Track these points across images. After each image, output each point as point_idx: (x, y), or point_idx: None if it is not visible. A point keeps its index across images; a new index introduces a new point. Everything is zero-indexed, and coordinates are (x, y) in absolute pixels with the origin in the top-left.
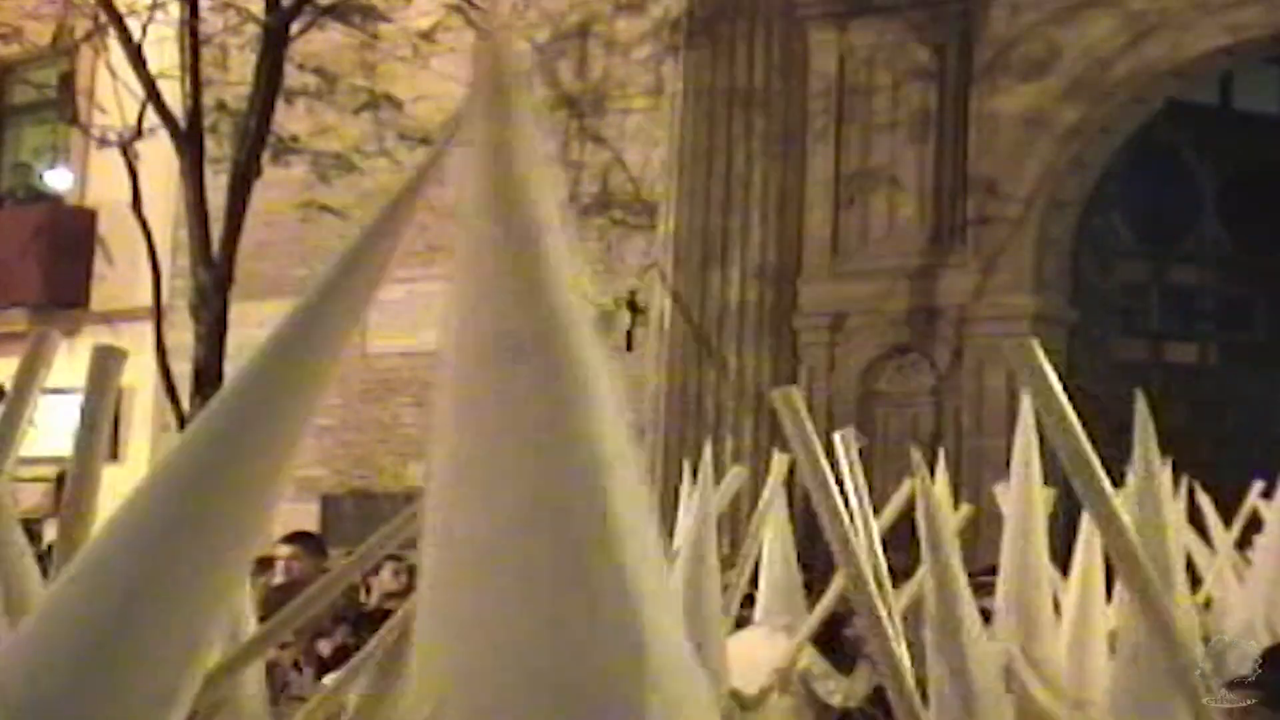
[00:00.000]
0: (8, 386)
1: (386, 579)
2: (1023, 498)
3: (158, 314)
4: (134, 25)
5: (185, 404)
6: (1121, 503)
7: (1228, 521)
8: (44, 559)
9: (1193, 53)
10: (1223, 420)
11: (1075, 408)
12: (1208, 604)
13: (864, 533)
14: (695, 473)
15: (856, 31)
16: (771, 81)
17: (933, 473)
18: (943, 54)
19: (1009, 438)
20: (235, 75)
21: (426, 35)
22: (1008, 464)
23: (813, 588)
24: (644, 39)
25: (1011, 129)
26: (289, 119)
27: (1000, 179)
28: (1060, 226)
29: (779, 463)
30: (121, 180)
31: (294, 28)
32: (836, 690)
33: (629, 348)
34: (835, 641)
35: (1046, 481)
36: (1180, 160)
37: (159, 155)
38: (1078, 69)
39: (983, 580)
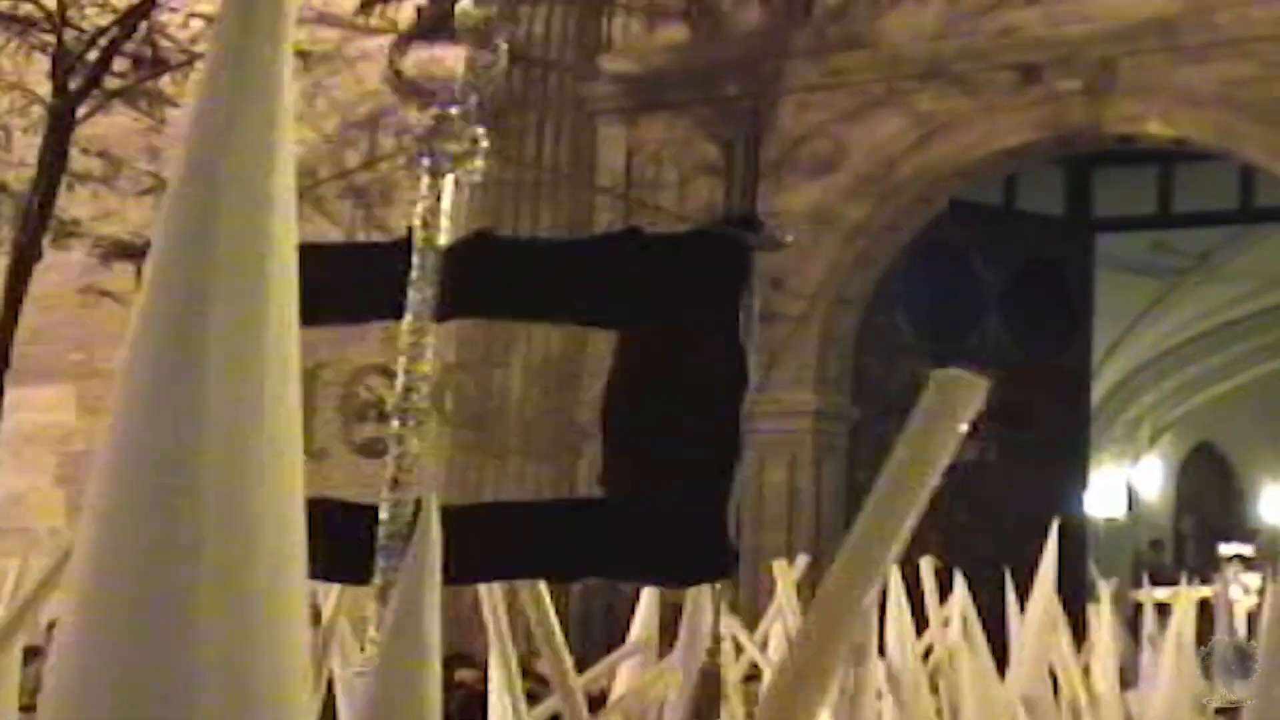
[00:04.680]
0: None
1: None
2: None
3: None
4: None
5: None
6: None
7: (1003, 618)
8: None
9: (978, 154)
10: (1002, 518)
11: (856, 504)
12: None
13: None
14: None
15: (645, 126)
16: (559, 174)
17: None
18: (730, 150)
19: (789, 536)
20: (18, 157)
21: None
22: (789, 561)
23: None
24: None
25: (797, 226)
26: (71, 202)
27: (785, 275)
28: (844, 324)
29: None
30: None
31: (80, 111)
32: None
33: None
34: None
35: None
36: (964, 260)
37: None
38: (864, 167)
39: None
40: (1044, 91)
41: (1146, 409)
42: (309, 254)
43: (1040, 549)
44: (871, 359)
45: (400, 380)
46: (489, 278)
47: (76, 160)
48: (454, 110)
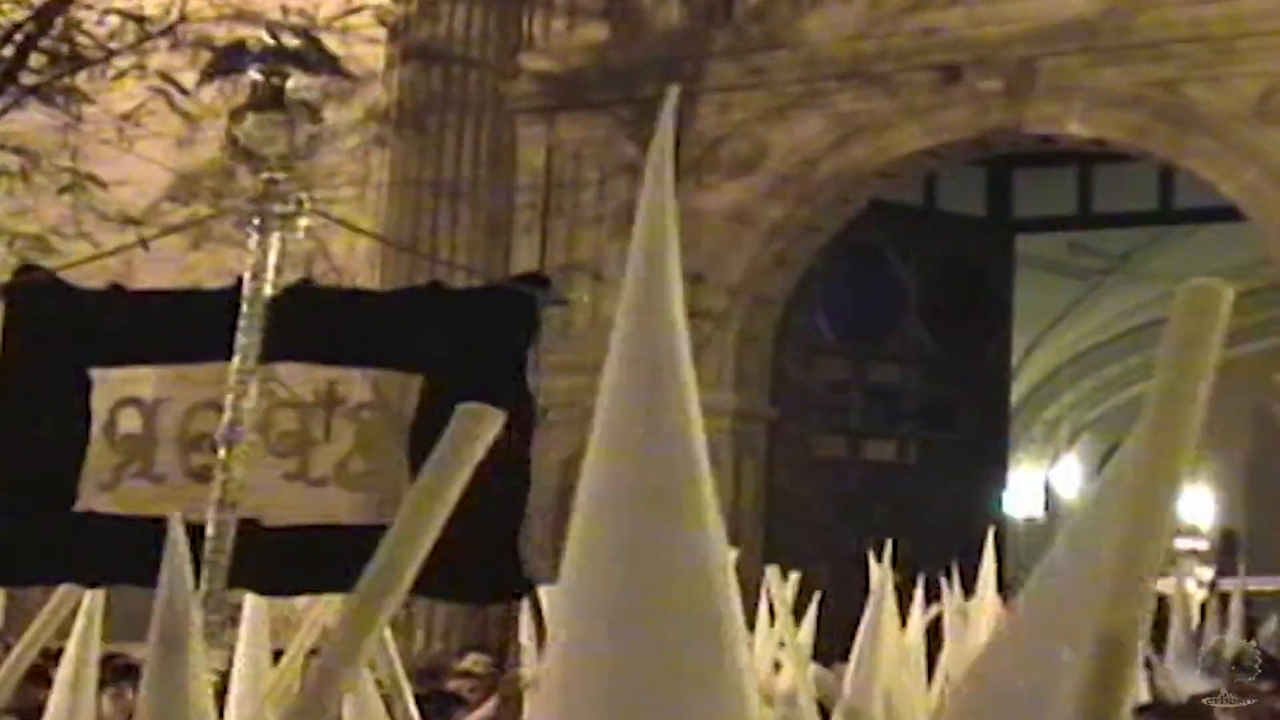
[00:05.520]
0: None
1: None
2: None
3: None
4: None
5: None
6: None
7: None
8: None
9: (898, 154)
10: (922, 519)
11: (774, 504)
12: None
13: None
14: None
15: (565, 125)
16: (479, 173)
17: None
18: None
19: None
20: None
21: (130, 118)
22: None
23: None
24: (353, 128)
25: (717, 226)
26: None
27: (704, 275)
28: (763, 323)
29: None
30: None
31: None
32: None
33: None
34: None
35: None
36: (884, 260)
37: None
38: (784, 167)
39: None
40: (964, 92)
41: (1066, 409)
42: (153, 300)
43: (959, 549)
44: (790, 359)
45: (227, 415)
46: (308, 325)
47: None
48: (281, 176)
